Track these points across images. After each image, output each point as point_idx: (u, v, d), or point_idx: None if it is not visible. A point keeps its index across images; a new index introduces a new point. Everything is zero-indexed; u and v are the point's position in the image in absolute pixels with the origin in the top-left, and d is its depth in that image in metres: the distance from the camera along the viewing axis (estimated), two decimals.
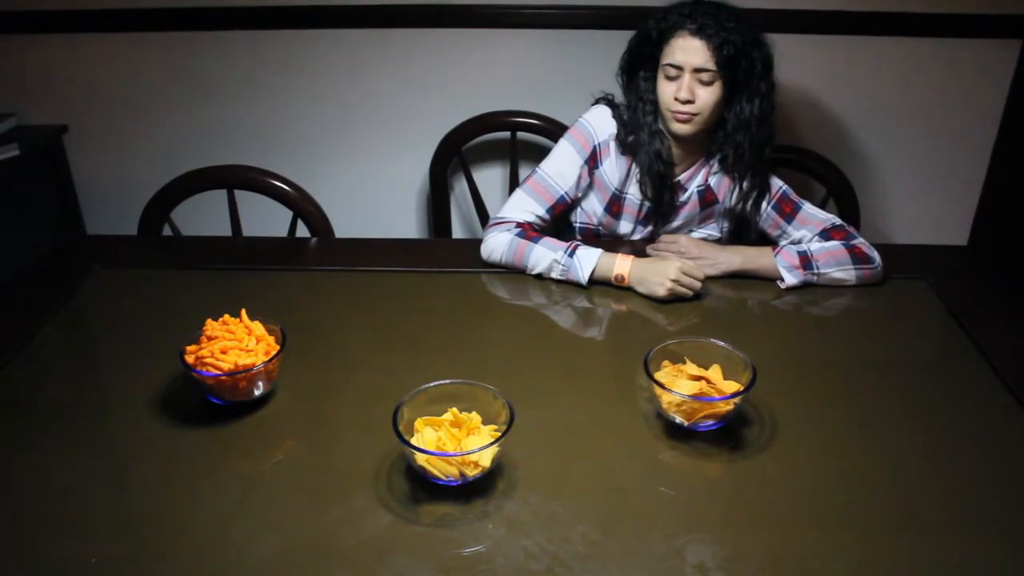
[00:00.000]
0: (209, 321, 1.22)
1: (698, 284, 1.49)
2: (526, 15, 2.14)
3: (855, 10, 2.07)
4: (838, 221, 1.62)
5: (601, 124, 1.65)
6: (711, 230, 1.72)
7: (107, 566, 0.95)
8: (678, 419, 1.15)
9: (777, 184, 1.66)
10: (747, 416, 1.19)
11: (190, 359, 1.17)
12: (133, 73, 2.26)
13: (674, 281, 1.47)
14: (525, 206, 1.65)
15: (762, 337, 1.41)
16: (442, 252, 1.77)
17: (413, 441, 1.05)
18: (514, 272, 1.60)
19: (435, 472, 1.03)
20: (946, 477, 1.09)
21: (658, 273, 1.49)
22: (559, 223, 1.80)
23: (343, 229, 1.94)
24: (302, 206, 1.86)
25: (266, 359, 1.18)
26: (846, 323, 1.48)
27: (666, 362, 1.21)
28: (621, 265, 1.52)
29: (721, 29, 1.49)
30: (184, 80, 2.27)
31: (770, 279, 1.56)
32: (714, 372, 1.18)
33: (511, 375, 1.28)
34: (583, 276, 1.53)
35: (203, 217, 2.02)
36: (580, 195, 1.70)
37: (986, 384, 1.28)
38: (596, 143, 1.65)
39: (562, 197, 1.66)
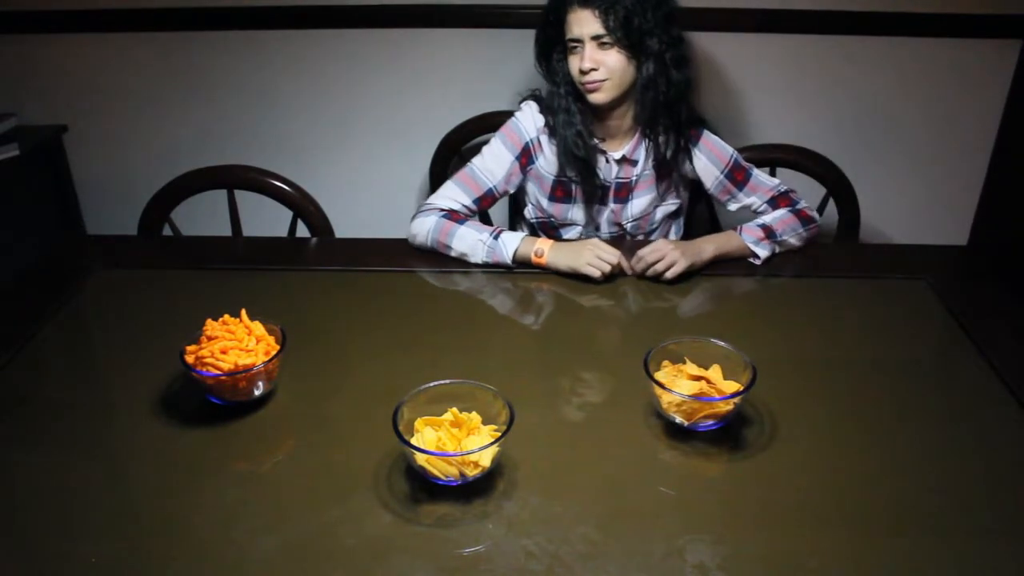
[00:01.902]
0: (209, 321, 1.22)
1: (614, 260, 1.53)
2: (526, 15, 2.14)
3: (855, 10, 2.07)
4: (784, 187, 1.69)
5: (530, 121, 1.71)
6: (675, 199, 1.78)
7: (107, 566, 0.95)
8: (678, 419, 1.15)
9: (728, 151, 1.71)
10: (747, 416, 1.19)
11: (190, 359, 1.17)
12: (133, 73, 2.26)
13: (590, 251, 1.53)
14: (452, 195, 1.69)
15: (762, 337, 1.41)
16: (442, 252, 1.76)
17: (413, 441, 1.06)
18: (495, 269, 1.60)
19: (435, 472, 1.03)
20: (946, 477, 1.09)
21: (576, 250, 1.55)
22: (512, 220, 1.85)
23: (343, 229, 1.94)
24: (302, 206, 1.87)
25: (266, 359, 1.18)
26: (846, 323, 1.47)
27: (666, 362, 1.21)
28: (542, 242, 1.58)
29: None
30: (184, 80, 2.27)
31: (743, 258, 1.62)
32: (714, 372, 1.18)
33: (511, 375, 1.28)
34: (507, 254, 1.57)
35: (203, 217, 2.02)
36: (509, 189, 1.75)
37: (986, 384, 1.28)
38: (528, 140, 1.71)
39: (490, 190, 1.71)
